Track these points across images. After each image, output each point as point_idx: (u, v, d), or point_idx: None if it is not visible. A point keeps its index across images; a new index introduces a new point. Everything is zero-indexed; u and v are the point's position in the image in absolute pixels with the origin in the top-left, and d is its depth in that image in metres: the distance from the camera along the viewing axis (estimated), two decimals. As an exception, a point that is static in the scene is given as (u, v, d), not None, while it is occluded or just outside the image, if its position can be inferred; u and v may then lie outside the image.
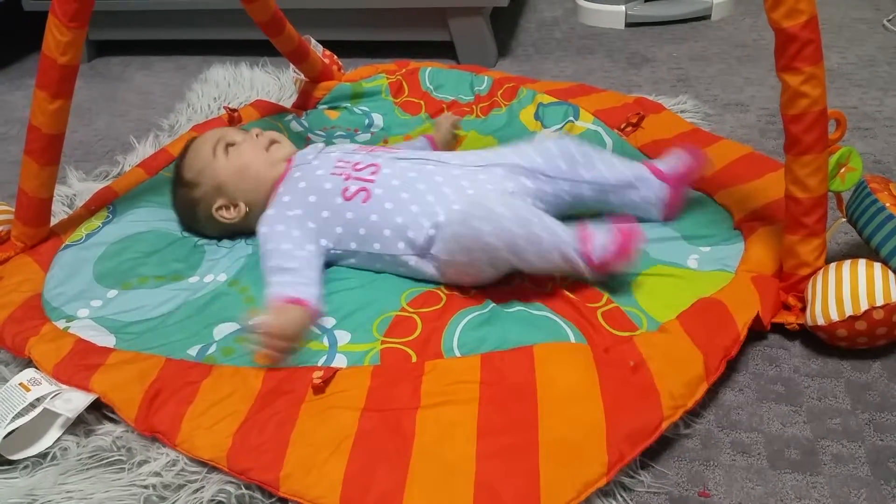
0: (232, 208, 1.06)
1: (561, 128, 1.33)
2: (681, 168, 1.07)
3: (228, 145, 1.06)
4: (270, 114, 1.42)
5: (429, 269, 0.96)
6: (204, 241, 1.10)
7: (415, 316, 0.91)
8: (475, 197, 0.95)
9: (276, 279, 0.92)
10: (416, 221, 0.95)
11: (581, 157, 1.04)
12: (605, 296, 0.92)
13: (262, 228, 0.99)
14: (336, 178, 1.00)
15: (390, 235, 0.96)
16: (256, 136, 1.09)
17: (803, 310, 0.89)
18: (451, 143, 1.34)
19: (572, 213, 1.04)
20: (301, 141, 1.33)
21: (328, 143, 1.32)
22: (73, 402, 0.80)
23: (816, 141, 0.85)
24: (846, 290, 0.83)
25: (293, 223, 0.98)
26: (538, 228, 0.87)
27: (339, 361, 0.85)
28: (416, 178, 0.98)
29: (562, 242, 0.89)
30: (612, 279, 0.94)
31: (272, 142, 1.09)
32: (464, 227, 0.88)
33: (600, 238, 0.90)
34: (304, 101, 1.48)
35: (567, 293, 0.92)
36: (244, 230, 1.09)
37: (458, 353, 0.85)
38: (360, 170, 1.01)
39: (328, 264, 1.01)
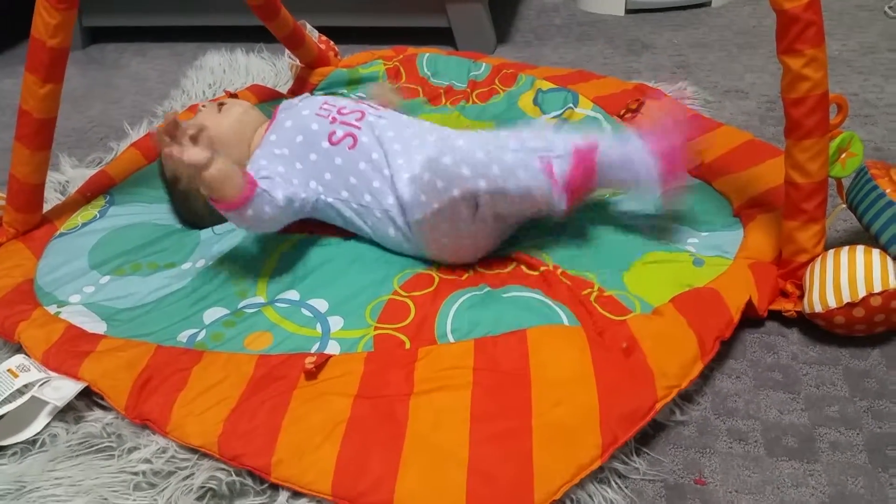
0: None
1: (560, 114, 1.32)
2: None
3: None
4: (267, 99, 1.41)
5: (412, 238, 0.95)
6: (202, 231, 1.09)
7: (407, 300, 0.90)
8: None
9: None
10: (400, 176, 0.94)
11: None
12: (597, 283, 0.91)
13: (248, 167, 0.95)
14: (322, 119, 0.99)
15: (380, 187, 0.95)
16: (202, 107, 1.08)
17: (801, 297, 0.88)
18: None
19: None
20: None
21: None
22: (62, 390, 0.79)
23: (817, 125, 0.84)
24: (844, 277, 0.83)
25: (279, 161, 0.97)
26: (507, 155, 0.86)
27: (333, 348, 0.85)
28: (401, 128, 0.98)
29: (529, 169, 0.87)
30: (605, 263, 0.93)
31: (220, 104, 1.08)
32: (435, 170, 0.86)
33: (561, 164, 0.90)
34: (300, 87, 1.47)
35: (560, 278, 0.91)
36: None
37: (451, 339, 0.84)
38: (346, 114, 1.00)
39: (314, 241, 1.00)
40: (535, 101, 1.37)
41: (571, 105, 1.33)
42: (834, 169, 0.89)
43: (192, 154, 0.81)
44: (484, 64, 1.50)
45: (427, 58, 1.52)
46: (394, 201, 0.95)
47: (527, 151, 0.90)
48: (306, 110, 1.02)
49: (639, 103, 1.30)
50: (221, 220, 1.07)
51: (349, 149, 0.97)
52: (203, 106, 1.09)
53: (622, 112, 1.30)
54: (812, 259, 0.88)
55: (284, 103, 1.08)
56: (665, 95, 1.39)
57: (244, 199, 0.87)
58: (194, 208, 1.06)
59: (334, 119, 0.99)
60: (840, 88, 1.47)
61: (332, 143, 0.97)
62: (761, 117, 1.42)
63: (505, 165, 0.84)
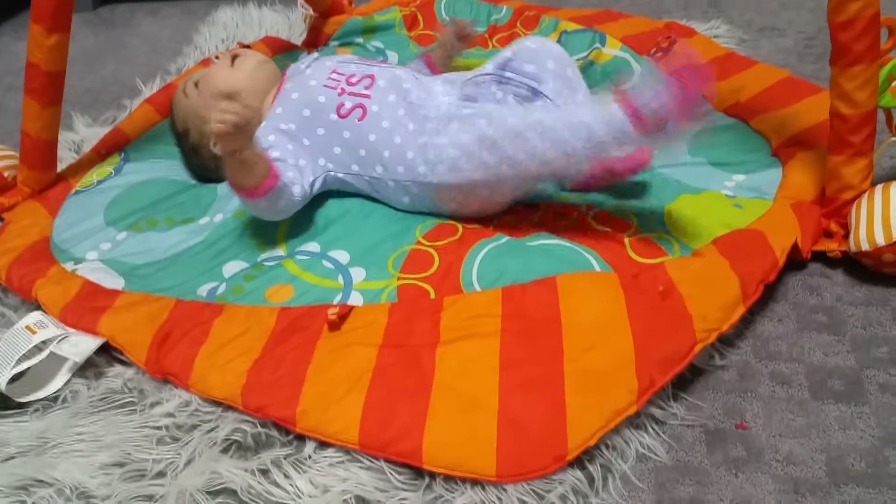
0: None
1: (587, 56, 1.26)
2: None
3: (195, 82, 1.02)
4: (281, 51, 1.37)
5: (430, 198, 0.91)
6: (219, 186, 1.06)
7: (430, 249, 0.87)
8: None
9: None
10: (414, 141, 0.89)
11: (553, 66, 0.95)
12: (633, 224, 0.87)
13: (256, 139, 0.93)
14: (330, 91, 0.94)
15: (390, 157, 0.91)
16: (216, 58, 1.04)
17: (846, 236, 0.84)
18: (457, 51, 1.19)
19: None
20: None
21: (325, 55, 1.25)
22: (81, 346, 0.78)
23: (867, 50, 0.79)
24: (893, 213, 0.78)
25: (285, 137, 0.93)
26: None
27: (355, 299, 0.82)
28: (410, 89, 0.93)
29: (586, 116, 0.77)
30: (640, 204, 0.88)
31: (234, 56, 1.04)
32: (484, 144, 0.82)
33: (646, 93, 0.74)
34: (315, 38, 1.42)
35: (592, 222, 0.87)
36: None
37: (477, 287, 0.81)
38: (355, 83, 0.95)
39: (332, 193, 0.97)
40: (559, 43, 1.31)
41: (599, 45, 1.27)
42: (883, 98, 0.84)
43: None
44: (505, 7, 1.44)
45: (445, 2, 1.46)
46: (404, 170, 0.90)
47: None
48: (313, 80, 0.96)
49: (669, 41, 1.24)
50: None
51: (358, 120, 0.92)
52: (217, 58, 1.05)
53: (652, 51, 1.24)
54: (858, 195, 0.84)
55: (291, 68, 1.03)
56: (696, 33, 1.33)
57: (266, 188, 0.85)
58: (203, 162, 1.04)
59: (343, 91, 0.94)
60: (892, 10, 1.38)
61: (340, 116, 0.93)
62: (799, 55, 1.35)
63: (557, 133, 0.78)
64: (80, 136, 1.23)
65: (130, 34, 1.72)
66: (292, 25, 1.59)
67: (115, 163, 1.10)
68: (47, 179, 1.05)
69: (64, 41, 0.93)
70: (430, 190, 0.89)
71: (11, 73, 1.61)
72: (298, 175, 0.90)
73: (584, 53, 1.26)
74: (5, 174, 1.03)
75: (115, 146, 1.14)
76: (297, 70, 1.01)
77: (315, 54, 1.06)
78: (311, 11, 1.41)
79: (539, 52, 0.95)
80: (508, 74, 0.94)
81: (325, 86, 0.95)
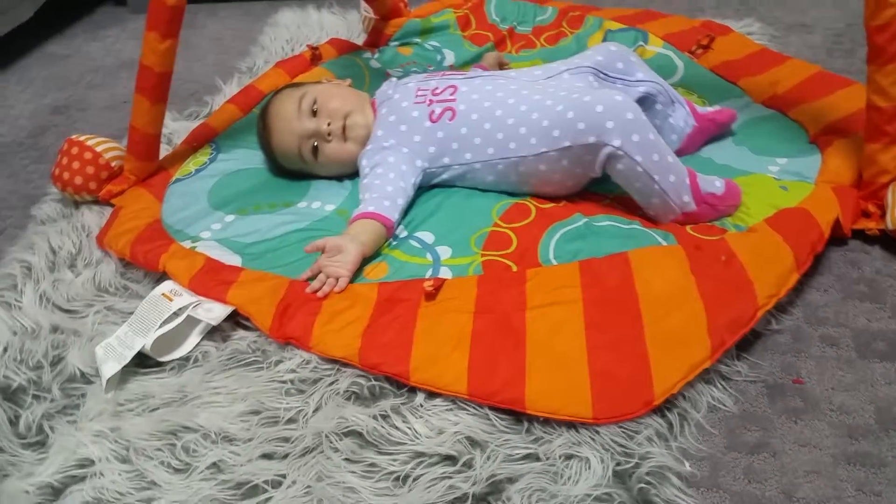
0: None
1: (631, 53, 1.35)
2: (711, 112, 1.11)
3: (313, 148, 1.09)
4: (347, 51, 1.47)
5: (512, 176, 1.01)
6: None
7: (508, 231, 0.97)
8: (580, 90, 0.99)
9: (363, 197, 1.00)
10: (503, 122, 0.99)
11: (636, 60, 1.10)
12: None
13: (362, 161, 1.07)
14: (421, 105, 1.05)
15: (480, 143, 1.01)
16: (329, 135, 1.08)
17: (883, 216, 0.93)
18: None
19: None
20: (380, 77, 1.37)
21: (402, 77, 1.36)
22: (214, 311, 0.88)
23: (902, 50, 0.87)
24: (926, 195, 0.87)
25: (388, 152, 1.04)
26: (653, 136, 0.91)
27: (445, 273, 0.92)
28: (494, 90, 1.03)
29: (673, 161, 0.92)
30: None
31: (343, 128, 1.09)
32: (577, 114, 0.92)
33: (706, 177, 0.95)
34: (376, 39, 1.52)
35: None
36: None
37: (554, 263, 0.90)
38: (440, 93, 1.06)
39: (421, 187, 1.07)
40: (604, 41, 1.40)
41: (642, 43, 1.36)
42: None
43: (341, 284, 0.91)
44: (550, 8, 1.54)
45: (495, 3, 1.55)
46: (493, 151, 1.00)
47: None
48: (404, 102, 1.07)
49: (710, 39, 1.33)
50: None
51: (449, 121, 1.03)
52: (329, 135, 1.08)
53: (693, 48, 1.33)
54: (893, 179, 0.93)
55: (379, 94, 1.13)
56: (732, 31, 1.41)
57: (390, 230, 0.98)
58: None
59: (431, 101, 1.05)
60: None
61: (433, 122, 1.03)
62: (828, 50, 1.43)
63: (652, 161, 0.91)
64: (168, 129, 1.33)
65: (195, 35, 1.82)
66: (350, 26, 1.68)
67: (209, 153, 1.20)
68: (151, 169, 1.15)
69: (174, 46, 1.04)
70: (514, 167, 1.00)
71: (91, 72, 1.71)
72: (402, 182, 1.01)
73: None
74: (112, 164, 1.13)
75: (205, 139, 1.24)
76: (386, 96, 1.11)
77: (394, 80, 1.16)
78: (371, 14, 1.51)
79: (623, 52, 1.08)
80: (605, 71, 1.06)
81: (416, 102, 1.06)
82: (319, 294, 0.89)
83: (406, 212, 1.03)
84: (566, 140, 0.93)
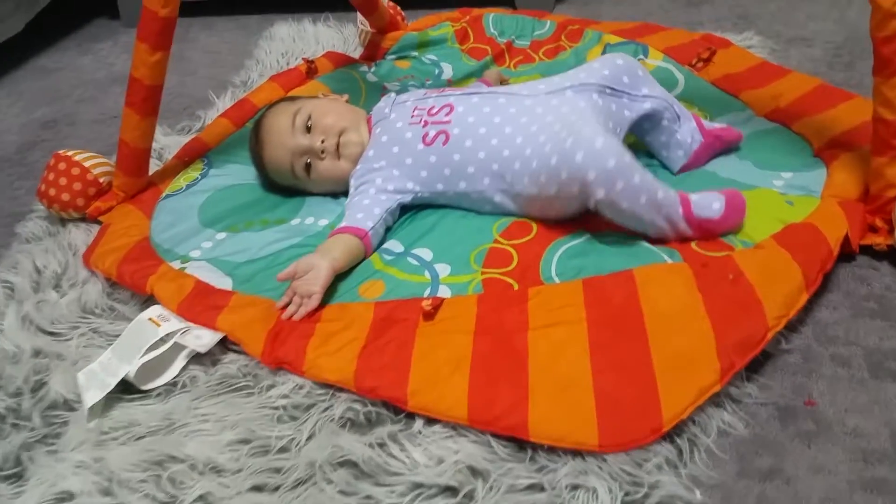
0: None
1: (631, 67, 1.33)
2: (717, 129, 1.09)
3: (306, 165, 1.07)
4: (343, 65, 1.45)
5: (510, 205, 0.99)
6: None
7: (509, 248, 0.94)
8: (569, 124, 0.93)
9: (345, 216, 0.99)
10: (499, 154, 0.97)
11: (643, 74, 1.06)
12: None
13: (351, 181, 1.05)
14: (415, 126, 1.03)
15: (474, 172, 0.99)
16: (322, 152, 1.06)
17: (891, 231, 0.91)
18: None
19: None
20: (377, 91, 1.35)
21: (401, 93, 1.34)
22: (203, 338, 0.85)
23: (909, 61, 0.85)
24: (936, 209, 0.85)
25: (377, 174, 1.03)
26: (638, 179, 0.86)
27: (444, 292, 0.89)
28: (491, 113, 1.00)
29: (663, 197, 0.87)
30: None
31: (337, 146, 1.07)
32: (559, 161, 0.89)
33: (703, 199, 0.90)
34: (373, 53, 1.50)
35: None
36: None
37: (557, 281, 0.87)
38: (436, 113, 1.03)
39: (417, 206, 1.04)
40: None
41: (642, 56, 1.35)
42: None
43: (313, 302, 0.88)
44: (548, 21, 1.52)
45: (493, 17, 1.54)
46: (489, 181, 0.98)
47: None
48: (399, 122, 1.05)
49: (711, 52, 1.31)
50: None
51: (443, 145, 1.00)
52: (323, 153, 1.07)
53: (694, 61, 1.31)
54: (902, 193, 0.90)
55: (376, 111, 1.10)
56: (732, 44, 1.40)
57: (368, 247, 0.97)
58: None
59: (426, 122, 1.03)
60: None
61: (426, 145, 1.01)
62: (828, 63, 1.42)
63: (640, 197, 0.86)
64: (159, 143, 1.30)
65: (189, 48, 1.80)
66: (346, 40, 1.66)
67: (200, 168, 1.18)
68: (140, 185, 1.12)
69: (166, 58, 1.01)
70: (512, 198, 0.98)
71: (82, 86, 1.69)
72: (382, 195, 1.00)
73: (630, 64, 1.34)
74: (100, 180, 1.11)
75: (197, 154, 1.21)
76: (382, 114, 1.09)
77: (392, 95, 1.13)
78: (368, 28, 1.49)
79: (630, 65, 1.05)
80: (611, 86, 1.02)
81: (410, 123, 1.03)
82: (296, 317, 0.86)
83: (393, 226, 1.02)
84: (553, 186, 0.91)
